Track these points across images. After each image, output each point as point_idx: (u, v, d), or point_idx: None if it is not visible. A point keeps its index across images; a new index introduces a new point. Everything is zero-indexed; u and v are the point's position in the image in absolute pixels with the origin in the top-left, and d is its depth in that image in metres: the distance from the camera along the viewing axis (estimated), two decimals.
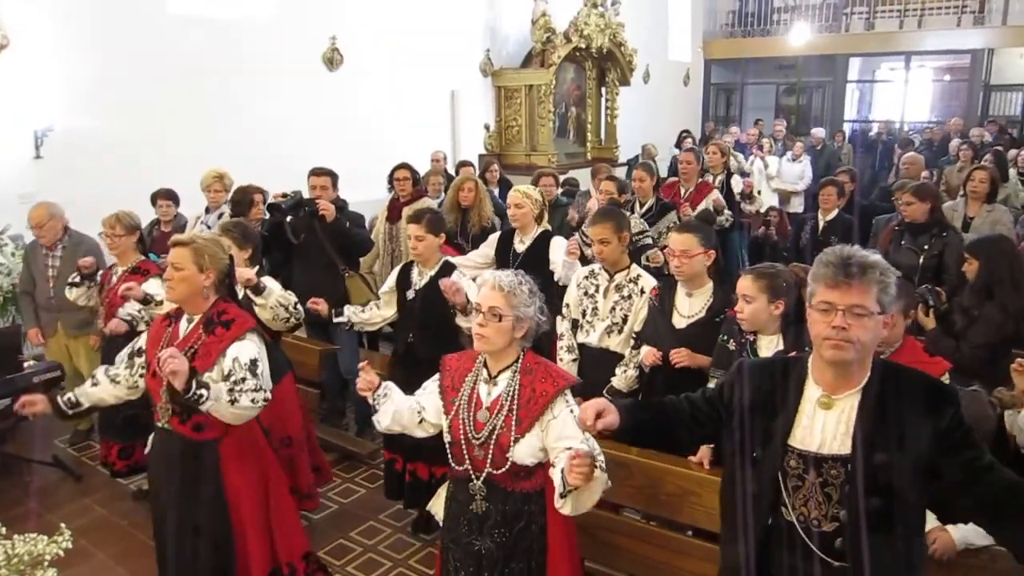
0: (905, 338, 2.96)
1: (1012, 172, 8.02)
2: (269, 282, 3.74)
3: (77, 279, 4.35)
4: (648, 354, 3.43)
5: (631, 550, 3.16)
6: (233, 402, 2.57)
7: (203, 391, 2.49)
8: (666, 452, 2.98)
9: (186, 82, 6.92)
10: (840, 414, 1.90)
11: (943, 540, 2.47)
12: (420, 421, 2.58)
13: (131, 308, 4.01)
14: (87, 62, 6.32)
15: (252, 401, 2.62)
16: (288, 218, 4.94)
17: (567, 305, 3.87)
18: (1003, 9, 13.61)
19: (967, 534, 2.47)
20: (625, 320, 3.68)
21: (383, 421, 2.60)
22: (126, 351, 2.98)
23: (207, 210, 5.76)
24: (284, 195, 4.89)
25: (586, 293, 3.79)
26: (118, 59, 6.48)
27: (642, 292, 3.67)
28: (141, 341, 2.94)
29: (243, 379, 2.63)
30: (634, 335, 3.66)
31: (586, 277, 3.83)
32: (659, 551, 3.11)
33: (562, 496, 2.20)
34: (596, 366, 3.71)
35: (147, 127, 6.61)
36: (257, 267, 3.93)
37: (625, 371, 3.65)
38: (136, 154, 6.45)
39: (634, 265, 3.78)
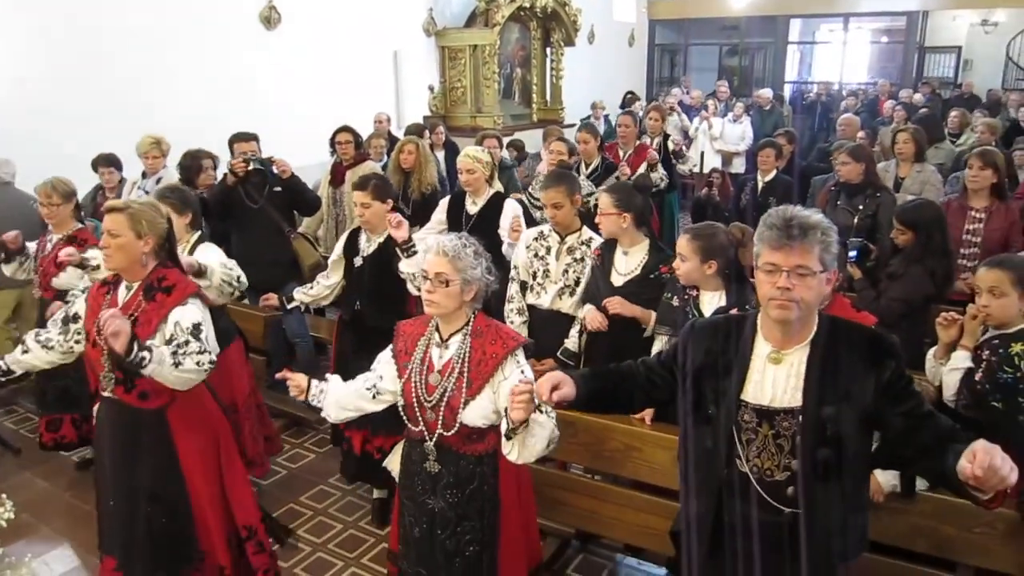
0: (835, 295, 3.07)
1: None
2: (210, 255, 3.65)
3: (3, 256, 4.19)
4: (592, 319, 3.48)
5: (576, 505, 3.27)
6: (177, 365, 2.52)
7: (145, 353, 2.43)
8: (617, 414, 3.06)
9: (119, 43, 6.65)
10: (789, 368, 1.98)
11: (872, 484, 2.61)
12: (374, 396, 2.58)
13: (68, 279, 3.90)
14: (13, 25, 6.03)
15: (197, 364, 2.56)
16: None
17: (516, 267, 3.88)
18: None
19: (891, 478, 2.62)
20: (578, 282, 3.72)
21: (329, 414, 2.62)
22: (59, 315, 2.91)
23: (143, 175, 5.60)
24: (246, 162, 4.78)
25: (536, 255, 3.80)
26: (47, 21, 6.19)
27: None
28: (76, 307, 2.87)
29: (186, 342, 2.58)
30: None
31: (535, 239, 3.82)
32: (603, 505, 3.22)
33: (508, 438, 2.22)
34: (547, 328, 3.74)
35: (81, 90, 6.34)
36: (199, 232, 3.85)
37: (581, 332, 3.68)
38: (69, 119, 6.19)
39: (585, 227, 3.80)
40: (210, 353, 2.65)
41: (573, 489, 3.30)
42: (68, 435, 4.24)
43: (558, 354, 3.64)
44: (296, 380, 2.56)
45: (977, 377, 2.75)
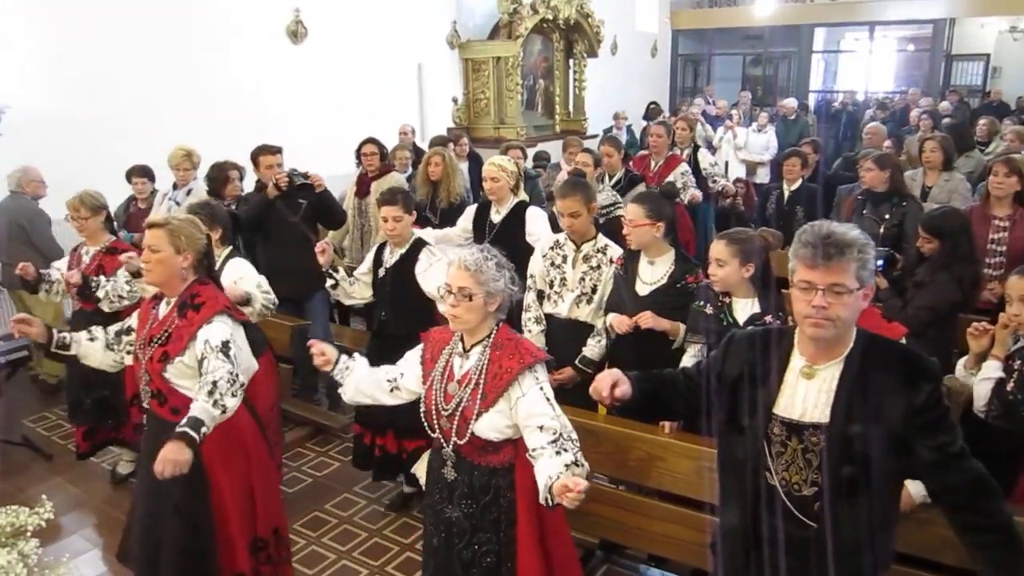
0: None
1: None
2: (243, 271, 3.72)
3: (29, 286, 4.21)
4: (620, 322, 3.48)
5: (600, 515, 3.25)
6: (224, 410, 2.57)
7: (203, 429, 2.48)
8: (658, 419, 3.06)
9: (148, 57, 6.79)
10: (821, 383, 1.96)
11: (903, 495, 2.57)
12: (392, 389, 2.61)
13: (115, 287, 3.97)
14: (46, 37, 6.18)
15: (234, 395, 2.61)
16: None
17: (532, 276, 3.88)
18: None
19: (922, 488, 2.58)
20: (595, 290, 3.72)
21: (347, 393, 2.66)
22: (116, 327, 2.97)
23: (175, 186, 5.70)
24: (289, 178, 4.85)
25: (552, 264, 3.81)
26: (77, 33, 6.34)
27: (611, 262, 3.70)
28: (131, 320, 2.94)
29: (214, 383, 2.58)
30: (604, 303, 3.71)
31: (551, 248, 3.84)
32: (628, 515, 3.20)
33: (546, 503, 2.20)
34: (565, 337, 3.75)
35: (109, 103, 6.48)
36: (230, 247, 3.91)
37: (600, 340, 3.69)
38: (99, 130, 6.32)
39: (600, 235, 3.81)
40: (239, 376, 2.67)
41: (597, 499, 3.28)
42: (106, 435, 4.33)
43: (576, 362, 3.65)
44: (325, 350, 2.59)
45: (1008, 387, 2.71)
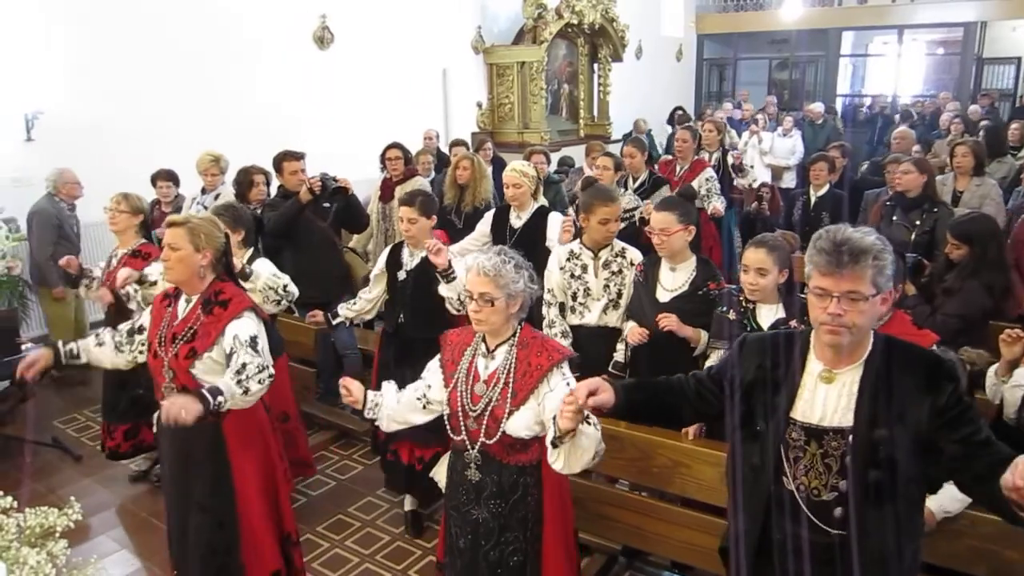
0: (894, 311, 3.01)
1: None
2: (259, 266, 3.78)
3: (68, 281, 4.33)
4: (633, 332, 3.46)
5: (623, 521, 3.23)
6: (246, 392, 2.62)
7: (220, 398, 2.54)
8: (662, 427, 3.03)
9: (176, 62, 6.90)
10: (841, 387, 1.94)
11: (925, 514, 2.53)
12: (424, 406, 2.62)
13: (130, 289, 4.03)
14: (75, 44, 6.30)
15: (260, 382, 2.67)
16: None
17: (551, 290, 3.82)
18: None
19: (943, 503, 2.54)
20: (620, 295, 3.70)
21: (383, 425, 2.66)
22: (126, 326, 3.01)
23: (203, 191, 5.78)
24: (323, 182, 4.87)
25: (572, 275, 3.77)
26: (107, 40, 6.46)
27: (631, 264, 3.68)
28: (142, 319, 2.97)
29: (244, 364, 2.65)
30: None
31: (568, 259, 3.79)
32: (650, 521, 3.18)
33: (554, 446, 2.20)
34: (596, 342, 3.70)
35: (137, 109, 6.61)
36: (251, 249, 3.95)
37: (628, 345, 3.65)
38: (127, 136, 6.45)
39: (616, 239, 3.79)
40: (269, 368, 2.74)
41: (620, 505, 3.27)
42: (148, 439, 4.31)
43: (609, 368, 3.60)
44: (353, 391, 2.57)
45: None
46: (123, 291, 3.93)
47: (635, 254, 3.73)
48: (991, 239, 3.84)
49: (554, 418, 2.18)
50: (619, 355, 3.67)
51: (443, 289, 3.59)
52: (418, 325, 3.81)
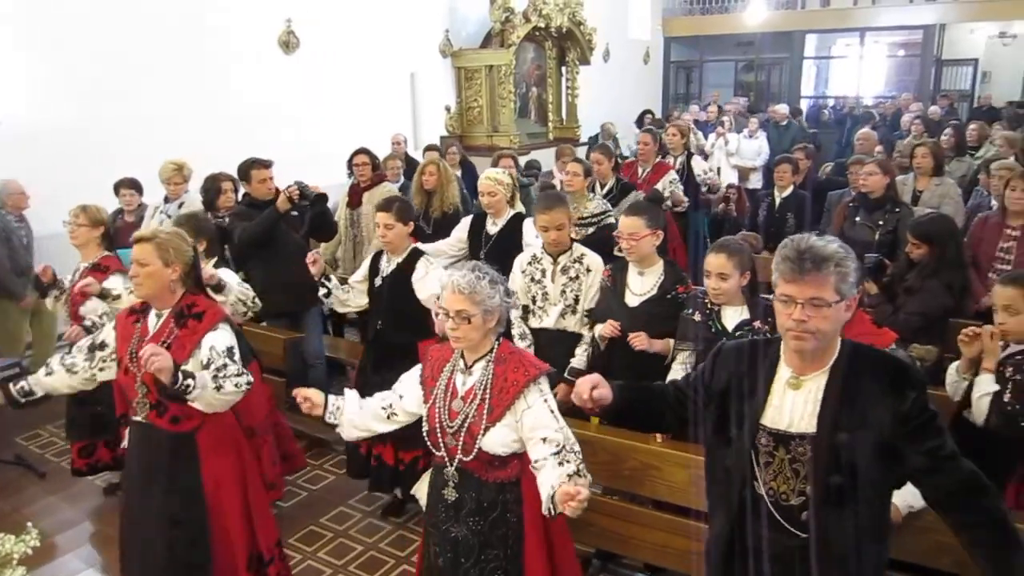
0: (855, 311, 3.06)
1: None
2: (227, 276, 3.75)
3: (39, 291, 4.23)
4: (606, 326, 3.48)
5: (596, 524, 3.24)
6: (219, 388, 2.62)
7: (190, 381, 2.54)
8: (642, 431, 3.05)
9: (138, 69, 6.80)
10: (808, 394, 1.97)
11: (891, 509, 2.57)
12: (389, 416, 2.61)
13: (92, 307, 3.95)
14: (35, 50, 6.19)
15: (236, 386, 2.67)
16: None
17: (514, 292, 3.83)
18: None
19: (907, 498, 2.58)
20: (577, 300, 3.73)
21: (344, 432, 2.66)
22: (86, 342, 2.96)
23: (166, 200, 5.69)
24: (301, 192, 4.77)
25: (532, 279, 3.81)
26: (69, 47, 6.35)
27: (588, 270, 3.73)
28: (103, 335, 2.92)
29: (224, 365, 2.67)
30: (586, 312, 3.72)
31: (529, 263, 3.84)
32: (623, 524, 3.20)
33: (548, 512, 2.22)
34: (554, 346, 3.72)
35: (100, 116, 6.49)
36: (215, 258, 3.91)
37: (587, 350, 3.69)
38: (90, 143, 6.34)
39: (575, 244, 3.82)
40: (247, 375, 2.74)
41: (593, 509, 3.22)
42: (103, 457, 4.27)
43: (565, 374, 3.61)
44: (311, 397, 2.57)
45: (1006, 398, 2.71)
46: (87, 322, 3.86)
47: (593, 260, 3.75)
48: (950, 239, 3.93)
49: (552, 497, 2.16)
50: (577, 361, 3.68)
51: (417, 287, 3.63)
52: (396, 331, 3.82)
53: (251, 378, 2.75)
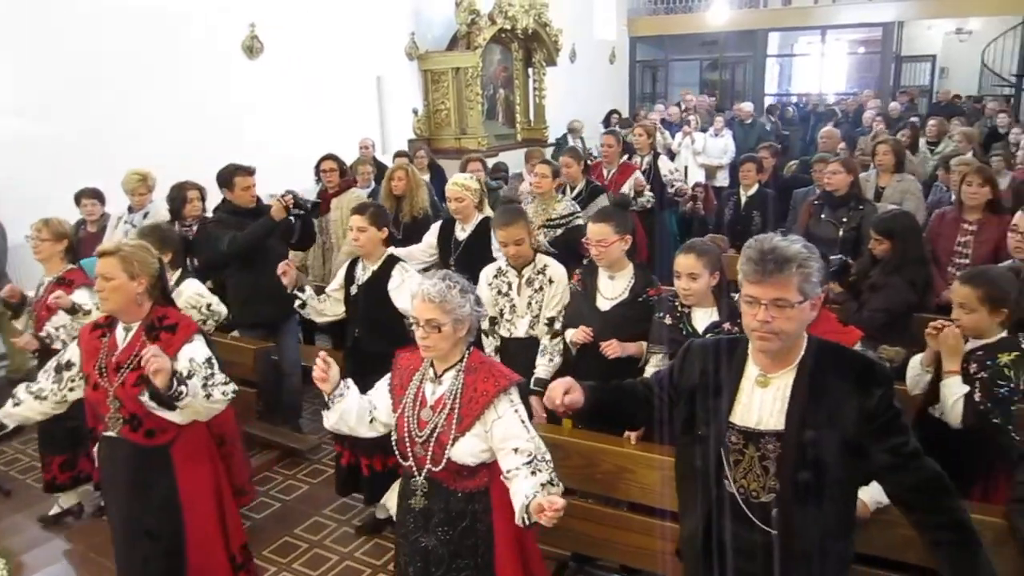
0: (821, 309, 3.11)
1: (921, 142, 8.38)
2: (186, 286, 3.72)
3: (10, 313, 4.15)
4: (579, 332, 3.50)
5: (571, 528, 3.24)
6: (208, 396, 2.63)
7: (183, 387, 2.53)
8: (615, 429, 3.09)
9: (101, 76, 6.68)
10: (775, 392, 2.00)
11: (857, 505, 2.62)
12: (371, 420, 2.59)
13: (57, 321, 3.88)
14: None
15: (223, 394, 2.69)
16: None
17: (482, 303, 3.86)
18: None
19: (874, 494, 2.62)
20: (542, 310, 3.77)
21: (330, 419, 2.58)
22: (51, 364, 2.90)
23: (130, 210, 5.60)
24: (295, 201, 4.71)
25: (499, 292, 3.83)
26: (30, 54, 6.23)
27: (551, 281, 3.75)
28: (69, 354, 2.87)
29: (211, 374, 2.68)
30: (547, 320, 3.75)
31: (495, 276, 3.86)
32: (598, 527, 3.22)
33: (523, 522, 2.22)
34: (525, 352, 3.75)
35: (62, 123, 6.36)
36: (180, 270, 3.86)
37: (551, 360, 3.68)
38: (53, 151, 6.21)
39: (538, 256, 3.85)
40: (232, 384, 2.74)
41: (568, 513, 3.23)
42: (86, 468, 4.18)
43: (531, 385, 3.55)
44: (332, 373, 2.48)
45: (977, 397, 2.76)
46: (43, 333, 3.79)
47: (555, 271, 3.78)
48: (911, 234, 4.00)
49: (526, 507, 2.17)
50: (541, 371, 3.66)
51: (393, 295, 3.62)
52: (372, 339, 3.79)
53: (235, 386, 2.76)
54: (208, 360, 2.75)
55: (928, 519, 1.95)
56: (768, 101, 16.06)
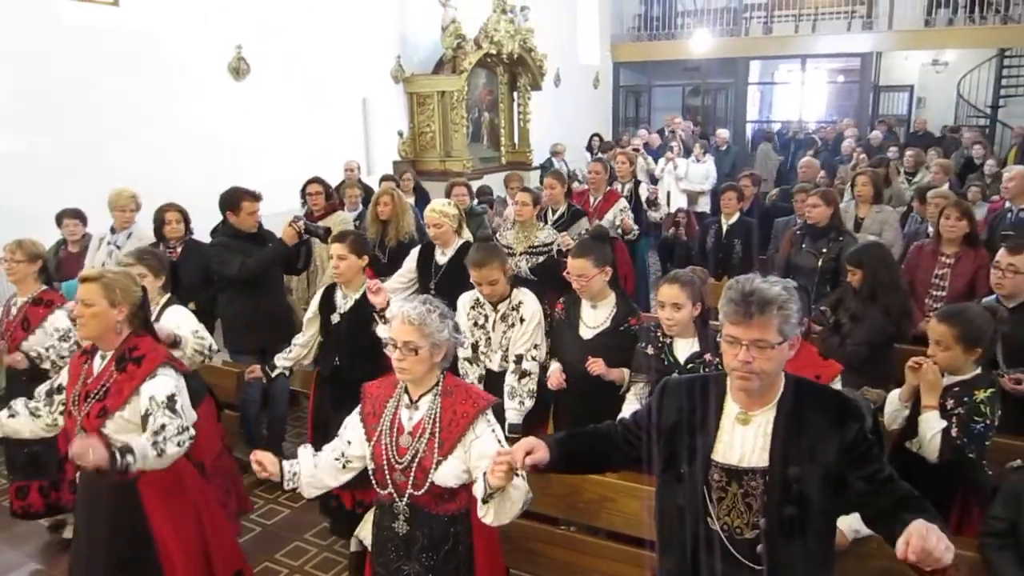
0: (800, 343, 3.16)
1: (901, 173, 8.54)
2: (180, 319, 3.70)
3: None
4: (553, 377, 3.52)
5: (552, 556, 3.27)
6: (161, 453, 2.56)
7: (129, 458, 2.47)
8: (594, 474, 3.07)
9: (85, 97, 6.68)
10: (757, 428, 2.03)
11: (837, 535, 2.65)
12: (344, 466, 2.58)
13: (41, 341, 3.86)
14: None
15: (178, 445, 2.61)
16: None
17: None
18: (889, 14, 14.42)
19: (852, 523, 2.66)
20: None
21: (308, 492, 2.61)
22: (44, 387, 2.89)
23: (112, 230, 5.57)
24: (306, 227, 4.77)
25: (476, 324, 3.84)
26: (12, 76, 6.21)
27: (522, 320, 3.73)
28: (61, 378, 2.86)
29: (162, 426, 2.59)
30: (515, 358, 3.71)
31: (472, 307, 3.86)
32: (579, 556, 3.22)
33: (484, 502, 2.24)
34: (500, 386, 3.72)
35: (48, 143, 6.36)
36: (168, 295, 3.86)
37: (521, 403, 3.65)
38: (39, 171, 6.20)
39: (515, 291, 3.82)
40: (189, 428, 2.67)
41: (549, 541, 3.30)
42: (35, 504, 4.10)
43: (506, 432, 3.44)
44: (267, 465, 2.51)
45: (953, 432, 2.82)
46: (33, 353, 3.78)
47: (528, 308, 3.74)
48: (879, 263, 4.06)
49: (484, 475, 2.21)
50: (513, 416, 3.62)
51: (381, 330, 3.57)
52: (354, 368, 3.77)
53: (193, 431, 2.69)
54: (170, 399, 2.66)
55: (897, 514, 1.91)
56: (750, 128, 16.33)
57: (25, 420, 2.85)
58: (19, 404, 2.88)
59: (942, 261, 4.73)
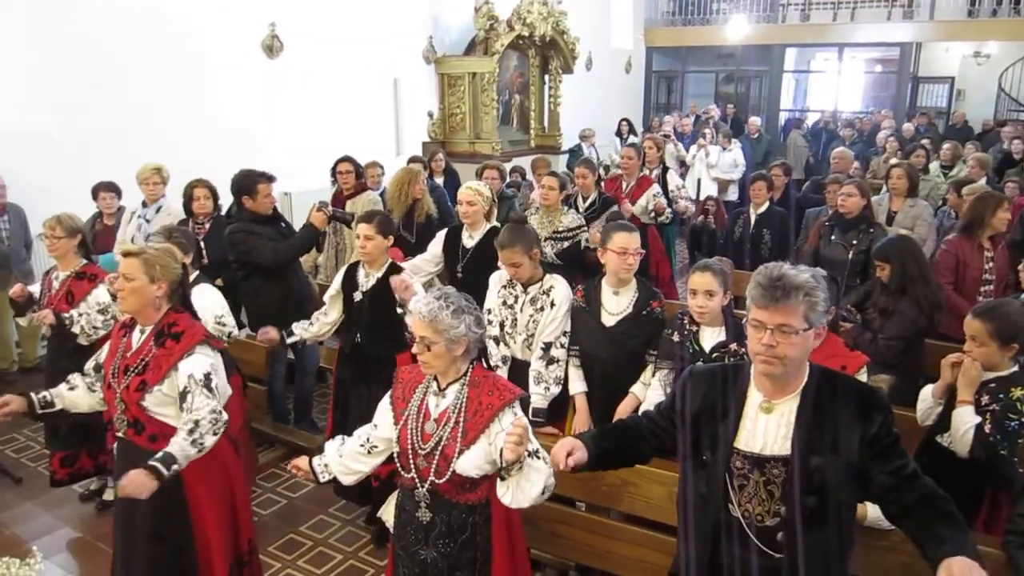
0: (828, 333, 3.14)
1: (935, 165, 8.39)
2: (207, 300, 3.78)
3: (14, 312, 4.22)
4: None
5: (573, 539, 3.31)
6: (201, 449, 2.62)
7: (175, 465, 2.53)
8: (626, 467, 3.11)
9: (123, 74, 6.76)
10: (780, 417, 2.04)
11: (858, 511, 2.63)
12: (369, 451, 2.63)
13: (93, 312, 3.95)
14: (15, 58, 6.13)
15: (214, 434, 2.66)
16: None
17: (489, 310, 3.81)
18: (931, 4, 14.13)
19: (879, 514, 2.65)
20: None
21: (345, 482, 2.72)
22: (91, 363, 2.95)
23: (144, 204, 5.65)
24: (334, 212, 4.88)
25: (505, 303, 3.80)
26: (48, 53, 6.29)
27: (552, 304, 3.66)
28: (104, 353, 2.92)
29: (197, 423, 2.62)
30: (543, 345, 3.67)
31: (504, 286, 3.81)
32: (600, 539, 3.26)
33: (502, 479, 2.28)
34: (516, 375, 3.69)
35: (83, 121, 6.44)
36: (196, 272, 3.92)
37: (547, 388, 3.64)
38: (74, 148, 6.30)
39: (547, 276, 3.77)
40: (222, 412, 2.72)
41: (570, 523, 3.34)
42: (86, 466, 4.24)
43: (531, 416, 3.44)
44: (302, 467, 2.67)
45: (987, 428, 2.80)
46: (67, 315, 3.86)
47: (559, 293, 3.68)
48: (908, 256, 4.01)
49: (501, 451, 2.24)
50: (538, 400, 3.62)
51: (408, 318, 3.61)
52: (375, 344, 3.85)
53: (225, 416, 2.74)
54: (207, 377, 2.71)
55: (923, 513, 1.94)
56: (784, 116, 16.11)
57: (84, 394, 2.91)
58: (77, 378, 2.94)
59: (987, 256, 4.72)
